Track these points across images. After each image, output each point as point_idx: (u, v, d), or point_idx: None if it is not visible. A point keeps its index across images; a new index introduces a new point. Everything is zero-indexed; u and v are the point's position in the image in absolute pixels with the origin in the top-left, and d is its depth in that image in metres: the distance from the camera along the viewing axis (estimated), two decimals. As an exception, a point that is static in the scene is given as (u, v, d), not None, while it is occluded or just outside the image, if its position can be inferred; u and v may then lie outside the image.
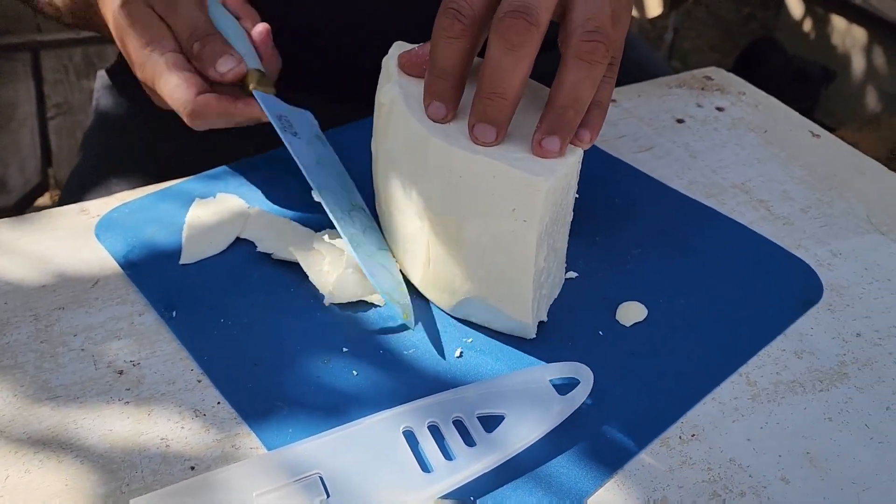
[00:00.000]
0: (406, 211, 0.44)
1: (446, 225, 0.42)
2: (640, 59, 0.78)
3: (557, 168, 0.39)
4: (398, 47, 0.46)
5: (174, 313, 0.45)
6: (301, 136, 0.52)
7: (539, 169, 0.39)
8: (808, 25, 2.13)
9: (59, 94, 1.08)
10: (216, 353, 0.43)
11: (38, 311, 0.45)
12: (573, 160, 0.41)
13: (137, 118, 0.71)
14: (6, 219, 0.52)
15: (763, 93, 0.69)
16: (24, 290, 0.46)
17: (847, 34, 2.03)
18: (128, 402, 0.40)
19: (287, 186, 0.55)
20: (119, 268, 0.48)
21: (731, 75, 0.72)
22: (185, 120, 0.49)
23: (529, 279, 0.41)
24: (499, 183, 0.39)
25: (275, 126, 0.49)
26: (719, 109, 0.67)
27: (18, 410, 0.40)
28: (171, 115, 0.70)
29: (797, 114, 0.67)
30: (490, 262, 0.41)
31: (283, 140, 0.49)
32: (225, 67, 0.49)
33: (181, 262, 0.48)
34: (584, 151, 0.42)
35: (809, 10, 2.11)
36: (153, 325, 0.45)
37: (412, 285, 0.47)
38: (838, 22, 2.04)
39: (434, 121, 0.41)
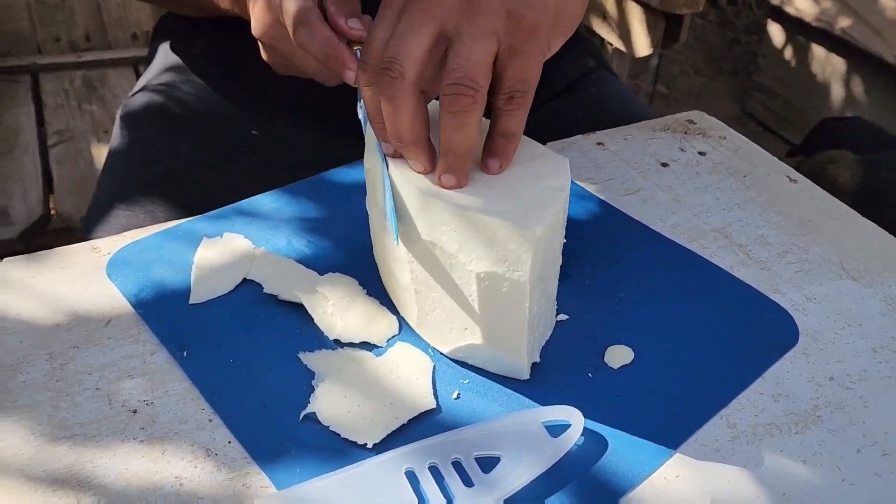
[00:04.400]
0: (401, 262, 0.47)
1: (441, 276, 0.44)
2: (624, 111, 0.81)
3: (544, 218, 0.42)
4: None
5: (185, 353, 0.47)
6: None
7: (527, 220, 0.41)
8: (789, 53, 2.19)
9: (61, 121, 1.09)
10: (226, 393, 0.45)
11: (52, 349, 0.47)
12: (556, 209, 0.43)
13: (158, 153, 0.73)
14: (18, 256, 0.54)
15: (743, 137, 0.73)
16: (38, 328, 0.48)
17: (827, 63, 2.08)
18: (142, 441, 0.42)
19: (291, 227, 0.57)
20: (130, 307, 0.50)
21: (713, 119, 0.75)
22: (292, 35, 0.50)
23: (524, 326, 0.43)
24: (490, 236, 0.42)
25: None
26: (701, 154, 0.70)
27: (36, 449, 0.42)
28: (191, 150, 0.72)
29: (775, 158, 0.70)
30: (485, 311, 0.44)
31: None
32: (354, 24, 0.50)
33: (190, 301, 0.50)
34: (576, 195, 0.44)
35: (791, 39, 2.17)
36: (165, 364, 0.47)
37: (411, 328, 0.50)
38: (818, 51, 2.10)
39: (388, 155, 0.45)
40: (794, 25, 2.15)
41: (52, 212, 1.05)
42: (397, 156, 0.46)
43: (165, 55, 0.82)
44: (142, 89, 0.79)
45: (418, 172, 0.44)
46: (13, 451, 0.42)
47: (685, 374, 0.48)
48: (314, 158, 0.73)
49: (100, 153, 1.13)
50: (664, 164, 0.68)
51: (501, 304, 0.43)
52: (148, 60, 0.86)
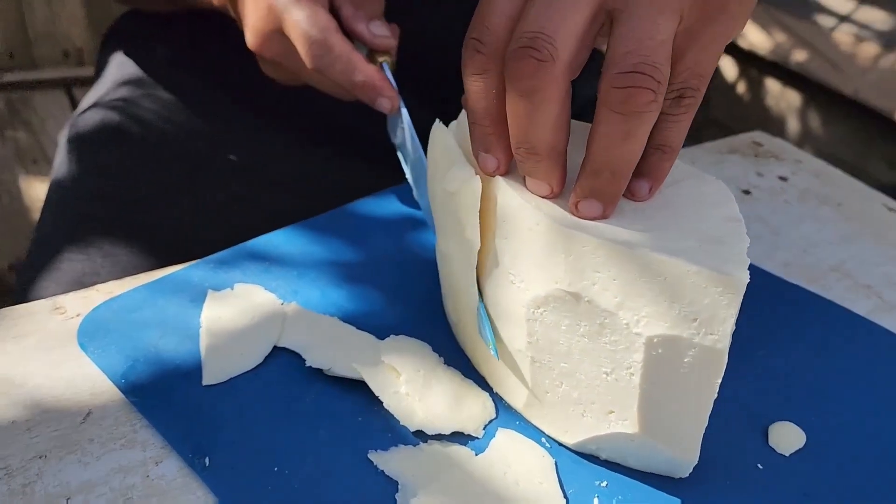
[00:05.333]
0: (514, 320, 0.34)
1: (580, 341, 0.32)
2: None
3: (740, 260, 0.30)
4: (440, 128, 0.37)
5: (206, 460, 0.33)
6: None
7: (721, 263, 0.29)
8: (742, 87, 2.18)
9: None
10: (276, 519, 0.31)
11: (8, 461, 0.32)
12: (744, 246, 0.32)
13: (117, 183, 0.58)
14: (-51, 323, 0.39)
15: (820, 161, 0.63)
16: (-16, 429, 0.33)
17: (782, 97, 2.07)
18: None
19: (321, 274, 0.44)
20: (118, 392, 0.36)
21: (779, 140, 0.66)
22: (305, 56, 0.44)
23: (707, 409, 0.31)
24: (671, 285, 0.29)
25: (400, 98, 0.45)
26: (782, 179, 0.60)
27: None
28: (159, 177, 0.58)
29: (863, 185, 0.61)
30: (651, 388, 0.31)
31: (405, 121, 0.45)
32: (378, 30, 0.46)
33: (204, 382, 0.36)
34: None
35: (744, 73, 2.16)
36: (178, 478, 0.32)
37: (511, 409, 0.37)
38: (773, 85, 2.08)
39: (487, 174, 0.33)
40: (747, 59, 2.13)
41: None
42: (500, 174, 0.33)
43: (120, 66, 0.67)
44: (93, 106, 0.65)
45: (538, 195, 0.32)
46: None
47: (873, 460, 0.37)
48: (312, 185, 0.60)
49: (28, 186, 0.96)
50: (746, 192, 0.58)
51: (678, 379, 0.31)
52: (96, 74, 0.71)
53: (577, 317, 0.31)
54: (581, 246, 0.30)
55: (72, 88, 1.18)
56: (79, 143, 0.62)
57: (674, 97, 0.31)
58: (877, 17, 1.97)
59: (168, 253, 0.50)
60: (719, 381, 0.30)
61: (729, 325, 0.29)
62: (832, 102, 1.93)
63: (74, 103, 1.16)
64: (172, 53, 0.65)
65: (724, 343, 0.29)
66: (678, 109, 0.32)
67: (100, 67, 0.71)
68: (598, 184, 0.30)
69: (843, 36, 1.93)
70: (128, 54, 0.67)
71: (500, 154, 0.32)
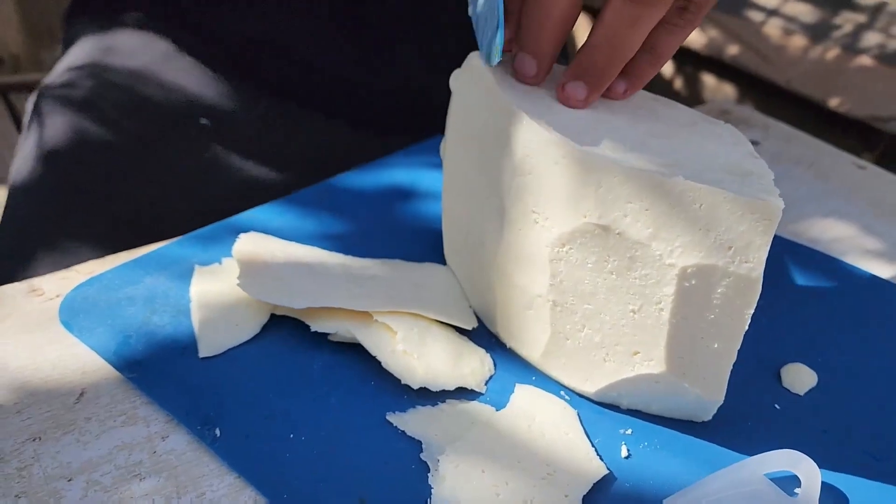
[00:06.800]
0: (528, 267, 0.33)
1: (606, 278, 0.31)
2: None
3: (771, 188, 0.30)
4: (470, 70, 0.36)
5: (217, 431, 0.31)
6: None
7: (754, 191, 0.29)
8: (679, 83, 2.23)
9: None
10: (298, 487, 0.29)
11: (1, 446, 0.30)
12: (771, 177, 0.31)
13: (84, 169, 0.55)
14: (-84, 310, 0.36)
15: (787, 126, 0.64)
16: (-32, 414, 0.31)
17: (718, 90, 2.13)
18: (186, 582, 0.26)
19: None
20: (111, 369, 0.33)
21: (745, 107, 0.67)
22: None
23: (738, 342, 0.31)
24: (706, 213, 0.29)
25: None
26: (754, 143, 0.61)
27: None
28: (134, 144, 0.55)
29: (832, 147, 0.62)
30: (681, 324, 0.31)
31: None
32: None
33: (200, 355, 0.34)
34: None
35: (680, 69, 2.21)
36: (188, 452, 0.30)
37: (527, 363, 0.36)
38: (708, 79, 2.14)
39: (522, 79, 0.34)
40: (682, 55, 2.19)
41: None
42: (536, 82, 0.34)
43: (86, 39, 0.63)
44: (62, 74, 0.60)
45: (523, 74, 0.33)
46: None
47: (884, 394, 0.37)
48: (290, 151, 0.57)
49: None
50: (721, 156, 0.58)
51: (710, 311, 0.30)
52: (63, 49, 0.67)
53: (606, 251, 0.30)
54: (612, 176, 0.29)
55: (8, 95, 1.13)
56: (49, 107, 0.58)
57: (678, 7, 0.32)
58: (803, 10, 2.04)
59: (138, 229, 0.47)
60: (751, 311, 0.30)
61: (764, 253, 0.29)
62: (766, 93, 1.99)
63: (12, 110, 1.10)
64: (140, 18, 0.62)
65: (759, 271, 0.29)
66: (678, 20, 0.32)
67: (67, 44, 0.67)
68: (592, 59, 0.32)
69: (773, 29, 2.00)
70: (94, 24, 0.63)
71: (545, 61, 0.33)
